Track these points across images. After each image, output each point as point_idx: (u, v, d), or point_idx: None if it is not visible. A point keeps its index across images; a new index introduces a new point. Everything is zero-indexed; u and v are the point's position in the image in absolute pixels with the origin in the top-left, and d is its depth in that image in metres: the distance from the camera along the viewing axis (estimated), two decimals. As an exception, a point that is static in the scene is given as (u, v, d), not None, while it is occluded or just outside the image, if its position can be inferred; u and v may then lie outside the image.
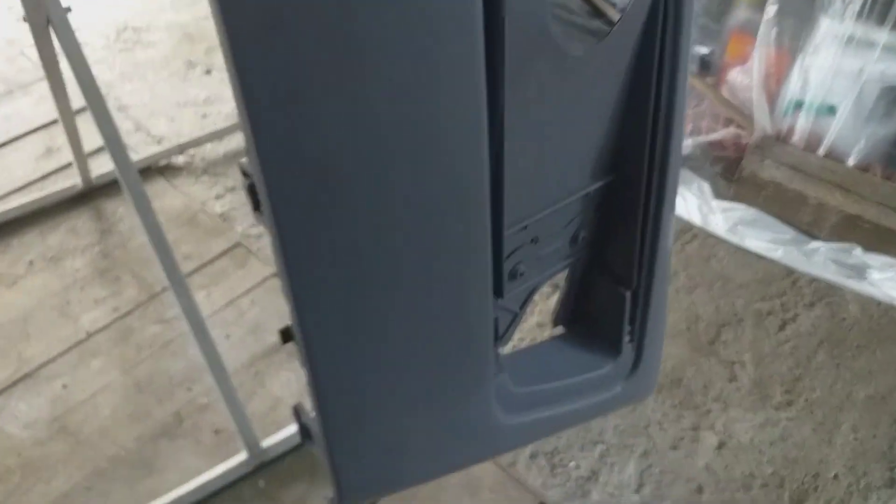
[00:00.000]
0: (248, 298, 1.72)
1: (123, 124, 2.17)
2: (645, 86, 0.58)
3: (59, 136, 2.16)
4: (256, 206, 0.52)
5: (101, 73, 2.36)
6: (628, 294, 0.72)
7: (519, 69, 0.52)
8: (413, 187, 0.51)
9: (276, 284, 1.77)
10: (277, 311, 1.69)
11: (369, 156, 0.48)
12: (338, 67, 0.44)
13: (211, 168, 2.08)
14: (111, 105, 2.20)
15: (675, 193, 0.68)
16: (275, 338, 1.64)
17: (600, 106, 0.59)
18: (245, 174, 0.54)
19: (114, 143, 1.26)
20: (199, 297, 1.68)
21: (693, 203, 1.96)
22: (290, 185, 0.47)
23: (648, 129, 0.60)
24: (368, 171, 0.49)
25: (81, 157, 1.91)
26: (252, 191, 0.51)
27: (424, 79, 0.48)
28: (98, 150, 1.90)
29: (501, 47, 0.50)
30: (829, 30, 1.87)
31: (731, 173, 2.05)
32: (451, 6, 0.45)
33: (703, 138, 2.11)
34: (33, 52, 2.41)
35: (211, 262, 1.81)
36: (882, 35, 1.79)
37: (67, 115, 1.72)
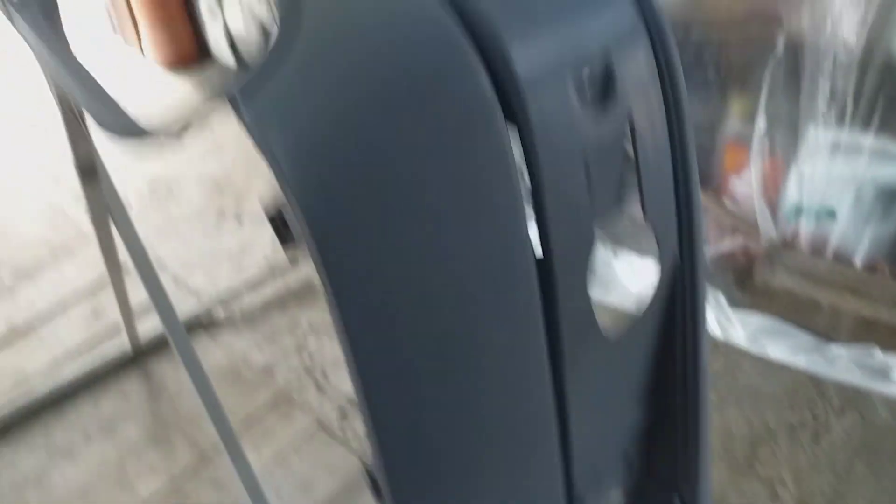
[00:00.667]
0: (295, 454, 1.79)
1: (162, 280, 2.29)
2: (672, 342, 0.68)
3: (104, 298, 2.29)
4: (284, 239, 0.50)
5: (139, 230, 2.50)
6: (676, 498, 0.80)
7: (574, 345, 0.61)
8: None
9: (323, 438, 1.85)
10: (325, 465, 1.76)
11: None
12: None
13: (249, 319, 2.18)
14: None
15: (709, 406, 0.77)
16: (325, 492, 1.71)
17: (638, 364, 0.68)
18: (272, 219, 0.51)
19: (163, 307, 1.36)
20: (250, 456, 1.75)
21: (711, 315, 2.04)
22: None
23: (680, 374, 0.70)
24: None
25: (130, 322, 2.02)
26: (274, 223, 0.50)
27: (505, 364, 0.56)
28: (144, 310, 2.02)
29: (558, 335, 0.59)
30: (818, 138, 2.00)
31: (744, 281, 2.13)
32: (515, 301, 0.53)
33: (712, 249, 2.21)
34: (75, 214, 2.57)
35: (258, 418, 1.89)
36: (868, 140, 1.91)
37: (117, 278, 1.82)
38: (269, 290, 2.27)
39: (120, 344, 2.09)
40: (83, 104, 0.41)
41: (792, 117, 2.00)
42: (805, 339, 1.97)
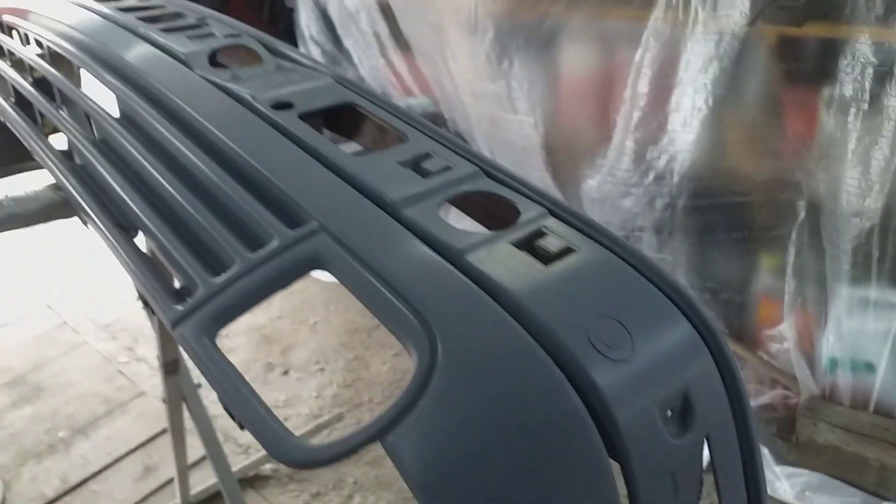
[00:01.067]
0: None
1: (213, 435, 2.36)
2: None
3: (155, 453, 2.35)
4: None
5: (189, 384, 2.60)
6: None
7: None
8: None
9: None
10: None
11: None
12: None
13: (296, 474, 2.22)
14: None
15: None
16: None
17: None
18: None
19: (219, 463, 1.43)
20: None
21: (757, 471, 2.04)
22: None
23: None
24: None
25: (185, 479, 2.07)
26: None
27: None
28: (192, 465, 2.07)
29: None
30: (848, 295, 2.06)
31: (787, 434, 2.14)
32: None
33: (753, 402, 2.23)
34: (128, 369, 2.67)
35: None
36: (897, 296, 1.97)
37: (181, 450, 1.88)
38: (314, 444, 2.31)
39: (170, 498, 2.13)
40: (255, 433, 0.50)
41: (820, 275, 2.08)
42: (855, 495, 1.95)
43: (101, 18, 1.04)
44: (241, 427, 0.55)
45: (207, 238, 0.64)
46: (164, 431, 2.41)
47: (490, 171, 0.62)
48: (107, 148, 0.80)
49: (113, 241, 0.69)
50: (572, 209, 0.56)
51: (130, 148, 0.73)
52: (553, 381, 0.44)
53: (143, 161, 0.70)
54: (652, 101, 2.05)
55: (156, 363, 2.74)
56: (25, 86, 0.95)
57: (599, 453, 0.42)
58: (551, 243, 0.52)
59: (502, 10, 2.27)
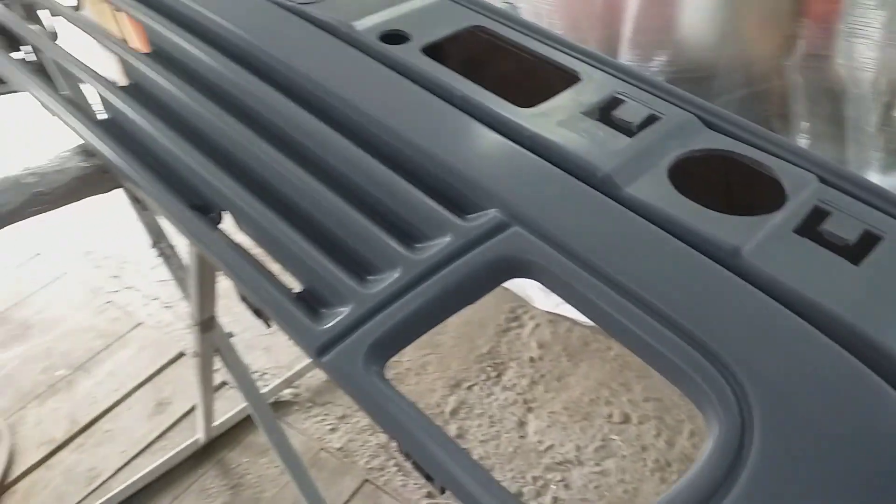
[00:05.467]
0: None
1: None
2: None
3: (165, 386, 2.25)
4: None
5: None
6: None
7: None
8: None
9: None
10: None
11: None
12: None
13: (317, 397, 2.15)
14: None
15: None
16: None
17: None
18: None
19: (248, 386, 1.36)
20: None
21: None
22: None
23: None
24: None
25: (209, 414, 1.97)
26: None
27: None
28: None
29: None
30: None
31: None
32: None
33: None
34: (119, 298, 2.53)
35: (347, 506, 1.86)
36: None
37: (209, 395, 1.78)
38: (332, 364, 2.23)
39: (189, 435, 2.05)
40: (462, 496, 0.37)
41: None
42: None
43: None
44: (443, 491, 0.43)
45: (333, 226, 0.49)
46: (170, 363, 2.31)
47: (708, 118, 0.47)
48: (143, 95, 0.62)
49: (194, 230, 0.53)
50: (849, 173, 0.42)
51: (190, 103, 0.55)
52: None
53: (217, 123, 0.53)
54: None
55: (148, 290, 2.59)
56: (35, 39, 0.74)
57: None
58: (848, 229, 0.39)
59: None
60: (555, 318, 2.31)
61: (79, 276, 2.61)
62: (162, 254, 1.20)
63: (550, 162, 0.45)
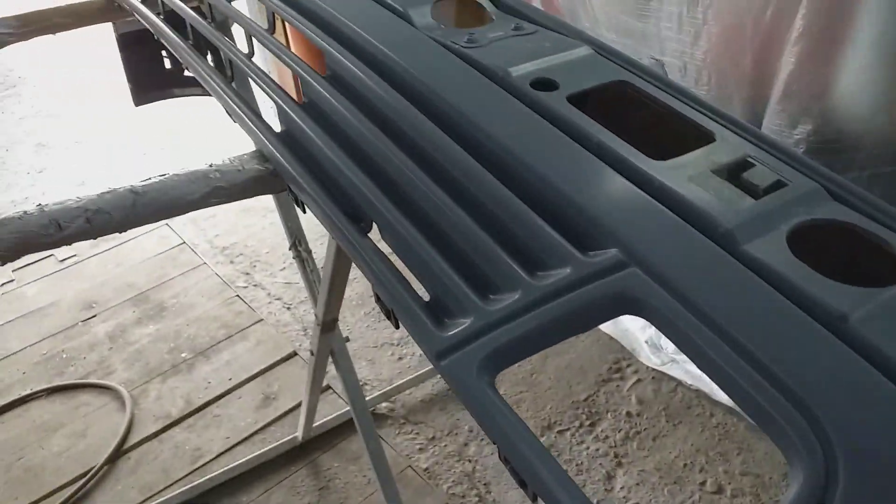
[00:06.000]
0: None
1: (330, 368, 2.38)
2: None
3: (275, 382, 2.39)
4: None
5: (307, 314, 2.61)
6: None
7: None
8: None
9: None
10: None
11: None
12: None
13: (412, 415, 2.21)
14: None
15: None
16: None
17: None
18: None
19: (354, 391, 1.43)
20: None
21: None
22: None
23: None
24: None
25: (312, 413, 2.08)
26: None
27: None
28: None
29: None
30: None
31: None
32: None
33: None
34: (246, 294, 2.70)
35: (427, 528, 1.89)
36: None
37: (315, 395, 1.88)
38: (427, 387, 2.30)
39: (289, 431, 2.16)
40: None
41: None
42: None
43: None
44: (535, 499, 0.46)
45: (466, 246, 0.55)
46: (282, 360, 2.45)
47: (835, 189, 0.50)
48: (316, 112, 0.71)
49: (347, 235, 0.60)
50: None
51: (359, 126, 0.63)
52: None
53: (380, 147, 0.61)
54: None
55: (273, 290, 2.77)
56: (226, 48, 0.86)
57: None
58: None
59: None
60: (659, 376, 2.27)
61: (214, 268, 2.83)
62: (298, 255, 1.31)
63: (675, 212, 0.48)
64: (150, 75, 1.84)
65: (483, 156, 0.56)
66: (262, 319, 2.60)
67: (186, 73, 1.90)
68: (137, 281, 2.80)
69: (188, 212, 0.69)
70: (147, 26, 1.06)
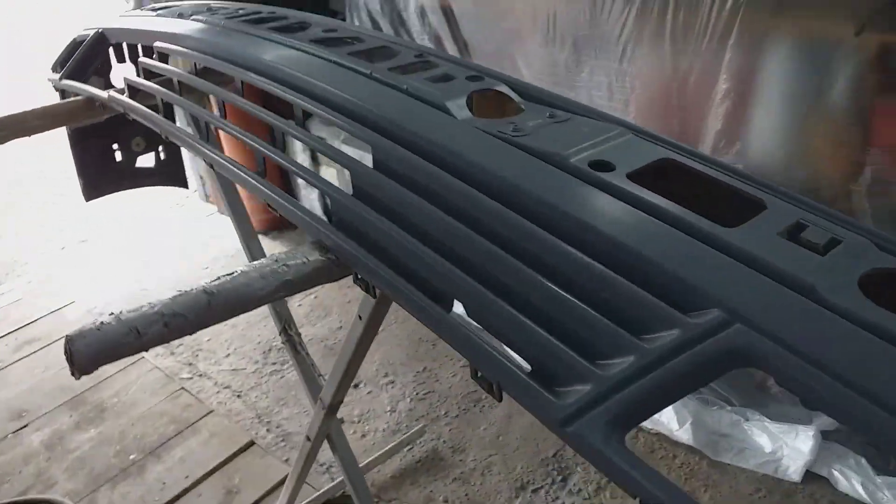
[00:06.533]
0: None
1: (291, 454, 2.31)
2: None
3: (235, 475, 2.29)
4: None
5: (259, 401, 2.54)
6: None
7: None
8: None
9: None
10: None
11: None
12: None
13: (384, 493, 2.18)
14: (276, 435, 2.37)
15: None
16: None
17: None
18: None
19: (352, 470, 1.40)
20: None
21: (855, 479, 2.04)
22: None
23: None
24: None
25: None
26: None
27: None
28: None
29: None
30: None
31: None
32: None
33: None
34: (192, 385, 2.60)
35: None
36: None
37: (300, 482, 1.82)
38: (395, 463, 2.27)
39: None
40: None
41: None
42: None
43: (297, 52, 0.97)
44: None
45: (564, 318, 0.59)
46: (240, 451, 2.36)
47: (881, 242, 0.59)
48: (370, 201, 0.74)
49: (435, 315, 0.63)
50: None
51: (431, 213, 0.67)
52: None
53: (457, 229, 0.65)
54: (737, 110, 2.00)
55: (220, 378, 2.68)
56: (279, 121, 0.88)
57: None
58: None
59: (579, 22, 2.21)
60: (618, 425, 2.35)
61: (154, 361, 2.72)
62: (289, 339, 1.30)
63: (760, 272, 0.56)
64: (101, 169, 1.80)
65: (561, 235, 0.62)
66: (212, 410, 2.51)
67: (138, 164, 1.88)
68: (71, 383, 2.63)
69: (258, 307, 0.70)
70: (172, 133, 1.04)
